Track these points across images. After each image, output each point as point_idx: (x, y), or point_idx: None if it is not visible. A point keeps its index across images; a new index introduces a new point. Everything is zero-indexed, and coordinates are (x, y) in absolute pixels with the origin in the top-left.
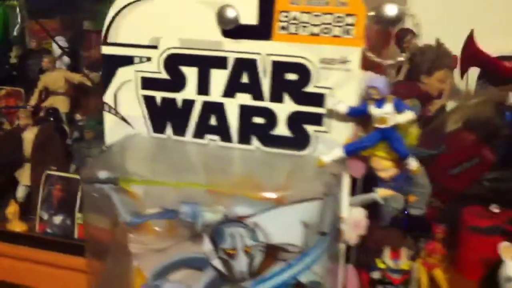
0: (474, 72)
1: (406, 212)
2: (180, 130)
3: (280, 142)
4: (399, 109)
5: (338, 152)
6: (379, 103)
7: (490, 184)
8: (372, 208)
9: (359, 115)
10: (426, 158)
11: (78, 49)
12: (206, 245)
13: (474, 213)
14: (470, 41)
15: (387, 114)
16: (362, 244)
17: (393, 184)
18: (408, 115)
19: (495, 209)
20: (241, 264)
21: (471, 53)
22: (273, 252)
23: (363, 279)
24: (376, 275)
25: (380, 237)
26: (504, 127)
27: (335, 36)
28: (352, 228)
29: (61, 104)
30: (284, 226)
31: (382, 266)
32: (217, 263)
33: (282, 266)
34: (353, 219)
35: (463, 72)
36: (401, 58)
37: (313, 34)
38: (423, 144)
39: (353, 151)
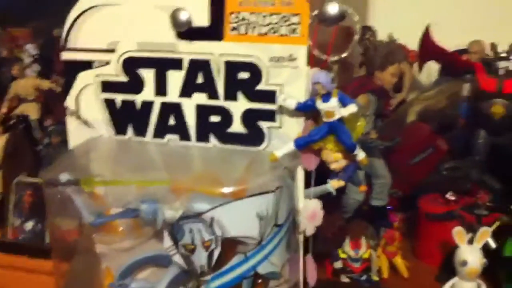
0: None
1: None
2: (140, 131)
3: (236, 139)
4: (343, 102)
5: (290, 146)
6: (325, 97)
7: (447, 172)
8: (335, 200)
9: (308, 110)
10: (385, 150)
11: (49, 55)
12: (167, 242)
13: (431, 201)
14: (426, 36)
15: (332, 108)
16: (323, 235)
17: (344, 175)
18: (351, 108)
19: (451, 196)
20: (200, 258)
21: (428, 47)
22: (231, 245)
23: (327, 269)
24: (338, 264)
25: (340, 228)
26: (458, 117)
27: (282, 35)
28: (308, 220)
29: (32, 110)
30: (240, 219)
31: (343, 255)
32: (178, 258)
33: (240, 258)
34: (309, 211)
35: (421, 65)
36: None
37: (262, 34)
38: (383, 136)
39: (303, 145)
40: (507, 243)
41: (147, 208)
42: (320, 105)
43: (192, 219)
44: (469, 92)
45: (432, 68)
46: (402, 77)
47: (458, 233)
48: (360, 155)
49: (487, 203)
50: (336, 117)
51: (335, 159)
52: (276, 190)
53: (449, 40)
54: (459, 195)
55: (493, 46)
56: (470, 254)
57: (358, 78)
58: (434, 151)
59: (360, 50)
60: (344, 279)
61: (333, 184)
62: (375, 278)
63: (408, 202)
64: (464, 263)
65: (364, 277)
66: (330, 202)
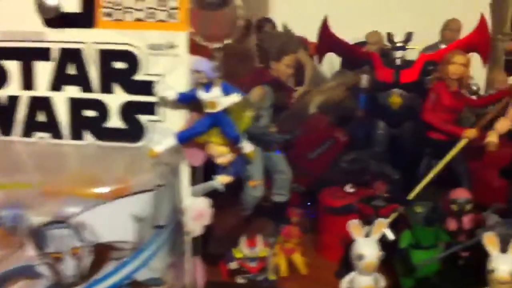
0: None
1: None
2: (6, 129)
3: (114, 134)
4: (227, 92)
5: (170, 141)
6: (207, 87)
7: (347, 165)
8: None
9: (189, 101)
10: (285, 144)
11: None
12: (30, 251)
13: (329, 194)
14: (324, 28)
15: (215, 98)
16: (216, 235)
17: (232, 170)
18: (233, 98)
19: (349, 189)
20: (68, 267)
21: (326, 39)
22: (104, 251)
23: (222, 270)
24: (233, 265)
25: (235, 226)
26: (357, 109)
27: (160, 20)
28: (194, 219)
29: None
30: (113, 222)
31: (239, 255)
32: (44, 269)
33: (115, 265)
34: (196, 210)
35: (321, 57)
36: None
37: (138, 20)
38: (282, 129)
39: (185, 138)
40: (403, 235)
41: (8, 215)
42: (202, 95)
43: (58, 224)
44: (367, 83)
45: (334, 60)
46: (304, 69)
47: (354, 226)
48: (247, 148)
49: (384, 194)
50: (219, 108)
51: (221, 153)
52: (155, 189)
53: (351, 31)
54: (359, 187)
55: (390, 36)
56: (366, 248)
57: (254, 70)
58: (333, 143)
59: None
60: (240, 280)
61: (220, 180)
62: (272, 277)
63: (310, 196)
64: (361, 257)
65: (261, 277)
66: (224, 199)
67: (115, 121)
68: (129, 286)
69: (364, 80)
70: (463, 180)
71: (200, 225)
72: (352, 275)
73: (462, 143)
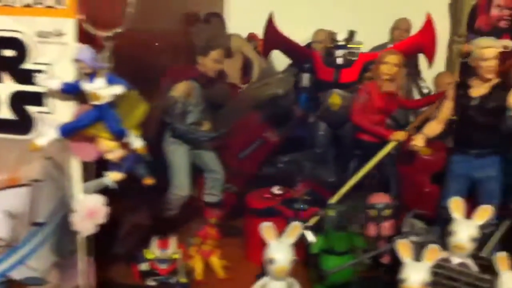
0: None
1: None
2: None
3: (3, 126)
4: (112, 84)
5: (52, 134)
6: (91, 78)
7: (282, 166)
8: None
9: (74, 92)
10: (219, 142)
11: None
12: None
13: (256, 196)
14: (269, 25)
15: (99, 89)
16: (121, 235)
17: (123, 166)
18: (114, 89)
19: (276, 190)
20: None
21: (271, 36)
22: None
23: (134, 271)
24: (144, 266)
25: (141, 226)
26: (295, 108)
27: (48, 6)
28: (86, 217)
29: None
30: None
31: (150, 256)
32: None
33: None
34: (87, 207)
35: (266, 54)
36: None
37: (27, 6)
38: (215, 127)
39: (68, 131)
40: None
41: None
42: (86, 86)
43: None
44: (308, 82)
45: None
46: (251, 66)
47: (266, 229)
48: (136, 143)
49: (305, 197)
50: (103, 100)
51: (110, 148)
52: (31, 184)
53: (307, 29)
54: (287, 189)
55: (331, 34)
56: (278, 252)
57: (180, 65)
58: (262, 143)
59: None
60: (151, 282)
61: (110, 177)
62: (183, 280)
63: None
64: (272, 261)
65: (173, 280)
66: (135, 197)
67: (4, 112)
68: (4, 285)
69: (305, 79)
70: (391, 184)
71: (92, 224)
72: (264, 279)
73: (390, 146)
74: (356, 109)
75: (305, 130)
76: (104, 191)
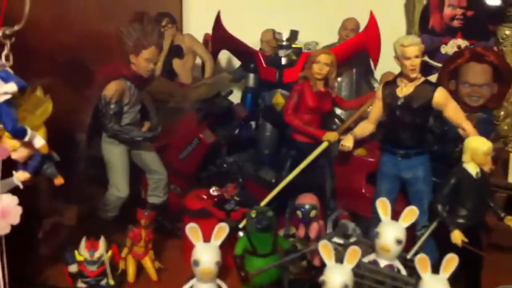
0: None
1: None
2: None
3: None
4: (6, 81)
5: None
6: None
7: (223, 167)
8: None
9: None
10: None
11: None
12: None
13: (193, 197)
14: (217, 24)
15: None
16: (51, 236)
17: (30, 166)
18: (7, 87)
19: (214, 191)
20: None
21: (219, 36)
22: None
23: (66, 273)
24: (73, 268)
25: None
26: (238, 107)
27: None
28: None
29: None
30: None
31: (79, 258)
32: None
33: None
34: None
35: (215, 54)
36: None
37: None
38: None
39: None
40: (239, 241)
41: None
42: None
43: None
44: (253, 83)
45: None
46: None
47: (191, 231)
48: (37, 142)
49: (236, 198)
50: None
51: (14, 147)
52: None
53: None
54: (223, 189)
55: (274, 34)
56: (203, 253)
57: (113, 64)
58: (197, 144)
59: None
60: (81, 284)
61: (17, 177)
62: (111, 282)
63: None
64: (196, 263)
65: (103, 282)
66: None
67: None
68: None
69: (251, 79)
70: (327, 185)
71: (5, 224)
72: (191, 282)
73: (322, 146)
74: (288, 109)
75: (249, 131)
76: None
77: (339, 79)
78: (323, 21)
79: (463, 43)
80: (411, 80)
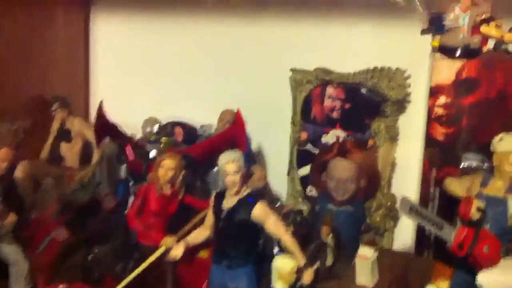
0: None
1: None
2: None
3: None
4: None
5: None
6: None
7: (91, 259)
8: None
9: None
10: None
11: None
12: None
13: None
14: (100, 112)
15: None
16: None
17: None
18: None
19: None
20: None
21: (101, 124)
22: None
23: None
24: None
25: None
26: (107, 199)
27: None
28: None
29: None
30: None
31: None
32: None
33: None
34: None
35: (98, 141)
36: None
37: None
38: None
39: None
40: None
41: None
42: None
43: None
44: (126, 174)
45: None
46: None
47: None
48: None
49: None
50: None
51: None
52: None
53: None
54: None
55: (145, 127)
56: None
57: None
58: (51, 240)
59: None
60: None
61: None
62: None
63: None
64: None
65: None
66: None
67: None
68: None
69: (123, 170)
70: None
71: None
72: None
73: (159, 251)
74: (131, 212)
75: (118, 222)
76: None
77: (214, 170)
78: (218, 104)
79: (341, 134)
80: (235, 193)
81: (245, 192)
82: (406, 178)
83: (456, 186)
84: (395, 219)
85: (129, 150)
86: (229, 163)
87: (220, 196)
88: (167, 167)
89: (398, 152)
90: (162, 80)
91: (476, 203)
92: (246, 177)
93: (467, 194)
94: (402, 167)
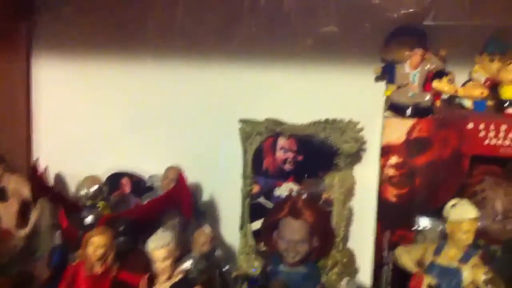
0: None
1: None
2: None
3: None
4: None
5: None
6: None
7: None
8: None
9: None
10: None
11: None
12: None
13: None
14: (34, 173)
15: None
16: None
17: None
18: None
19: None
20: None
21: (37, 185)
22: None
23: None
24: None
25: None
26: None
27: None
28: None
29: None
30: None
31: None
32: None
33: None
34: None
35: (34, 201)
36: None
37: None
38: None
39: None
40: None
41: None
42: None
43: None
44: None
45: None
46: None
47: None
48: None
49: None
50: None
51: None
52: None
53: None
54: None
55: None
56: None
57: None
58: None
59: None
60: None
61: None
62: None
63: None
64: None
65: None
66: None
67: None
68: None
69: (58, 238)
70: None
71: None
72: None
73: None
74: None
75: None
76: None
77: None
78: (167, 154)
79: (295, 187)
80: (167, 278)
81: (178, 275)
82: (362, 232)
83: (406, 260)
84: (353, 275)
85: (61, 217)
86: (157, 248)
87: (152, 280)
88: (96, 245)
89: (354, 205)
90: (110, 129)
91: (427, 280)
92: (179, 258)
93: (418, 268)
94: (359, 220)
